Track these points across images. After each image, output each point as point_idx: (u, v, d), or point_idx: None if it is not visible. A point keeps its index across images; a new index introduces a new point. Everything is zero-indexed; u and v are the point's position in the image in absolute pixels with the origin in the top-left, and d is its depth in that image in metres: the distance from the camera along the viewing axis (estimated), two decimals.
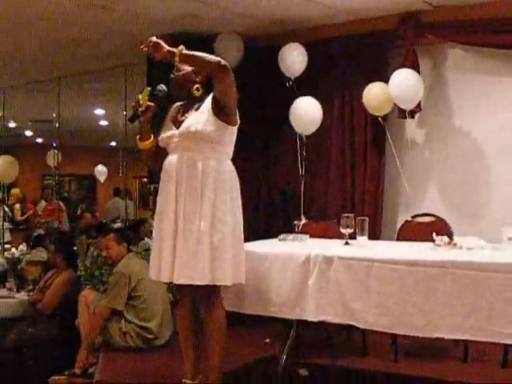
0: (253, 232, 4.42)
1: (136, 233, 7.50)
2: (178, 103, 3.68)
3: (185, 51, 3.23)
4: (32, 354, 5.47)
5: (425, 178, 6.03)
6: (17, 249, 8.36)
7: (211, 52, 3.40)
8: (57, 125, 10.26)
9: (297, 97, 5.97)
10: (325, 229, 5.03)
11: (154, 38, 3.20)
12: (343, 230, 4.06)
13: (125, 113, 8.72)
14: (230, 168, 3.54)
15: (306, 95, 5.94)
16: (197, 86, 3.55)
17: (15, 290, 6.78)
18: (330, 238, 4.58)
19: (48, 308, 5.91)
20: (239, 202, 3.56)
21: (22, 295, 6.58)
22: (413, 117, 5.81)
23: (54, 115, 10.13)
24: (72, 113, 10.67)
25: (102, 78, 8.72)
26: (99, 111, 11.98)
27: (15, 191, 12.34)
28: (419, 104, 5.69)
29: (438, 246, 3.76)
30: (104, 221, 11.01)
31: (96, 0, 5.63)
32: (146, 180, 13.32)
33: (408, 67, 5.62)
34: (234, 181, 3.56)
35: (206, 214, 3.35)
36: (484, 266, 3.19)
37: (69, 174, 16.35)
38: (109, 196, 13.85)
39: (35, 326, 5.84)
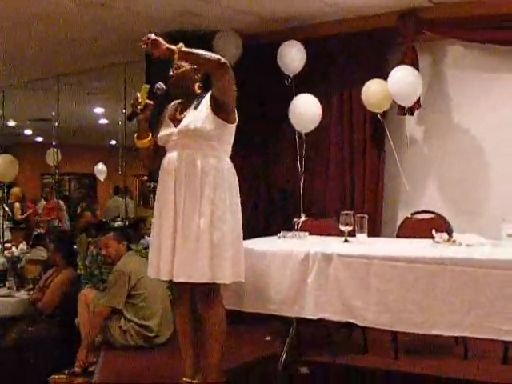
0: (252, 230, 4.42)
1: (136, 231, 7.51)
2: (176, 101, 3.67)
3: (184, 48, 3.22)
4: (32, 353, 5.46)
5: (424, 175, 6.03)
6: (17, 248, 8.37)
7: (210, 50, 3.38)
8: (56, 123, 10.24)
9: (296, 94, 5.96)
10: (324, 226, 5.02)
11: (153, 36, 3.19)
12: (342, 228, 4.06)
13: (124, 111, 8.70)
14: (228, 166, 3.54)
15: (305, 93, 5.93)
16: (198, 83, 3.55)
17: (15, 288, 6.77)
18: (329, 235, 4.57)
19: (48, 307, 5.90)
20: (238, 199, 3.56)
21: (22, 294, 6.58)
22: (412, 114, 5.80)
23: (54, 114, 10.12)
24: (72, 111, 10.66)
25: (101, 77, 8.71)
26: (99, 110, 11.97)
27: (15, 190, 12.34)
28: (419, 101, 5.69)
29: (438, 242, 3.75)
30: (104, 219, 11.02)
31: None
32: (146, 178, 13.31)
33: (407, 64, 5.61)
34: (233, 179, 3.55)
35: (205, 211, 3.35)
36: (483, 262, 3.19)
37: (69, 173, 16.35)
38: (109, 195, 13.85)
39: (35, 325, 5.82)
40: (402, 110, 5.71)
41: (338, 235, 4.26)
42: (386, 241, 4.64)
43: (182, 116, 3.52)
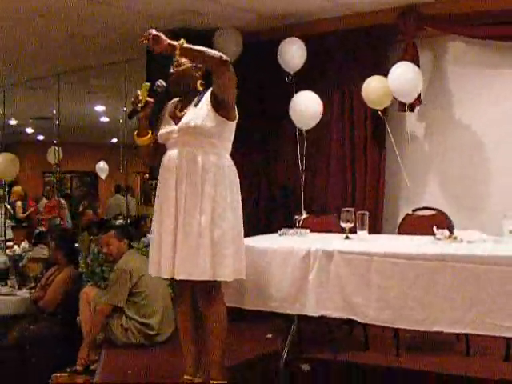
0: (253, 227, 4.42)
1: (137, 229, 7.51)
2: (176, 99, 3.67)
3: (185, 45, 3.20)
4: (34, 351, 5.47)
5: (425, 172, 6.02)
6: (19, 246, 8.38)
7: (210, 47, 3.37)
8: (57, 122, 10.24)
9: (296, 91, 5.95)
10: (325, 223, 5.01)
11: (154, 31, 3.16)
12: (343, 225, 4.04)
13: (125, 109, 8.70)
14: (229, 163, 3.53)
15: (305, 90, 5.92)
16: (200, 81, 3.55)
17: (17, 287, 6.78)
18: (330, 232, 4.57)
19: (49, 306, 5.90)
20: (239, 197, 3.55)
21: (24, 292, 6.59)
22: (413, 110, 5.79)
23: (55, 112, 10.12)
24: (73, 109, 10.67)
25: (102, 75, 8.71)
26: (100, 108, 11.98)
27: (17, 188, 12.34)
28: (419, 97, 5.68)
29: (439, 239, 3.74)
30: (105, 218, 11.02)
31: None
32: (147, 176, 13.31)
33: (408, 60, 5.60)
34: (234, 176, 3.54)
35: (206, 209, 3.34)
36: (484, 259, 3.17)
37: (70, 171, 16.38)
38: (110, 193, 13.87)
39: (37, 323, 5.83)
40: (402, 107, 5.70)
41: (339, 232, 4.25)
42: (387, 237, 4.64)
43: (183, 113, 3.51)
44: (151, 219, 3.68)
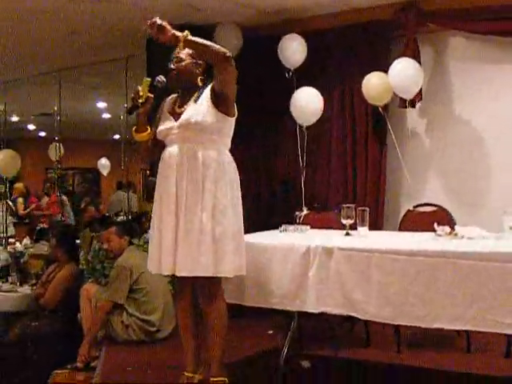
0: (253, 223, 4.40)
1: (138, 225, 7.51)
2: (174, 95, 3.65)
3: (190, 37, 3.18)
4: (35, 348, 5.48)
5: (426, 168, 6.02)
6: (20, 243, 8.39)
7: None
8: (58, 118, 10.24)
9: (297, 88, 5.94)
10: (326, 219, 5.00)
11: (159, 20, 3.13)
12: (344, 221, 4.04)
13: (126, 105, 8.69)
14: (229, 159, 3.52)
15: (306, 86, 5.91)
16: (200, 77, 3.53)
17: (18, 284, 6.79)
18: (331, 228, 4.55)
19: (50, 303, 5.91)
20: (239, 193, 3.54)
21: (25, 289, 6.60)
22: (413, 106, 5.78)
23: (56, 108, 10.11)
24: (74, 106, 10.67)
25: (103, 71, 8.70)
26: (101, 104, 11.97)
27: (18, 185, 12.32)
28: (420, 93, 5.66)
29: (439, 236, 3.73)
30: (107, 214, 11.02)
31: None
32: (149, 172, 13.29)
33: (409, 56, 5.59)
34: (234, 172, 3.53)
35: (207, 205, 3.33)
36: (485, 255, 3.16)
37: (72, 168, 16.36)
38: (112, 189, 13.85)
39: (38, 320, 5.84)
40: (403, 103, 5.69)
41: (339, 228, 4.24)
42: (387, 234, 4.64)
43: (182, 110, 3.50)
44: (151, 216, 3.67)
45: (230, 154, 3.54)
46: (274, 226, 4.53)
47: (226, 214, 3.38)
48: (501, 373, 4.06)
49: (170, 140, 3.49)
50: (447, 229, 3.77)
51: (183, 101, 3.53)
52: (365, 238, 3.87)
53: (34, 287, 6.46)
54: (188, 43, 3.19)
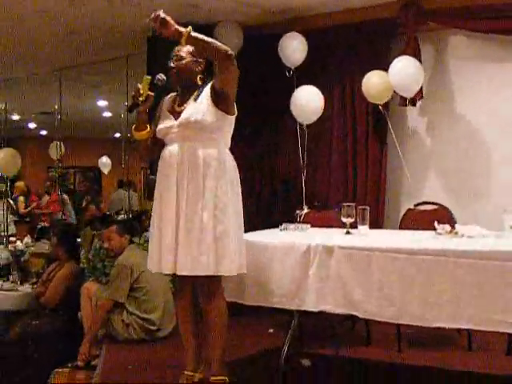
0: (254, 221, 4.40)
1: (139, 224, 7.51)
2: (173, 93, 3.65)
3: (193, 33, 3.16)
4: (36, 346, 5.47)
5: (427, 167, 6.01)
6: (21, 241, 8.39)
7: None
8: (59, 117, 10.24)
9: (297, 86, 5.93)
10: (326, 218, 5.00)
11: (162, 13, 3.12)
12: (344, 220, 4.03)
13: (127, 103, 8.69)
14: (229, 158, 3.52)
15: (306, 84, 5.91)
16: (200, 75, 3.52)
17: (19, 282, 6.79)
18: (331, 227, 4.55)
19: (51, 302, 5.91)
20: (239, 191, 3.54)
21: (26, 288, 6.60)
22: (414, 104, 5.77)
23: (57, 107, 10.11)
24: (75, 104, 10.67)
25: (104, 69, 8.70)
26: (102, 102, 11.96)
27: (19, 184, 12.32)
28: (421, 91, 5.66)
29: (440, 234, 3.73)
30: (108, 212, 11.01)
31: None
32: (149, 171, 13.26)
33: (409, 55, 5.58)
34: (234, 170, 3.53)
35: (208, 204, 3.33)
36: (486, 254, 3.15)
37: (73, 166, 16.36)
38: (113, 188, 13.84)
39: (39, 318, 5.84)
40: (404, 101, 5.68)
41: (340, 227, 4.23)
42: (387, 232, 4.63)
43: (182, 108, 3.49)
44: (151, 214, 3.66)
45: (230, 153, 3.54)
46: (275, 224, 4.53)
47: (227, 212, 3.38)
48: (502, 371, 4.06)
49: (170, 139, 3.49)
50: (447, 227, 3.77)
51: (183, 99, 3.53)
52: (365, 237, 3.87)
53: (35, 286, 6.46)
54: (190, 39, 3.17)
